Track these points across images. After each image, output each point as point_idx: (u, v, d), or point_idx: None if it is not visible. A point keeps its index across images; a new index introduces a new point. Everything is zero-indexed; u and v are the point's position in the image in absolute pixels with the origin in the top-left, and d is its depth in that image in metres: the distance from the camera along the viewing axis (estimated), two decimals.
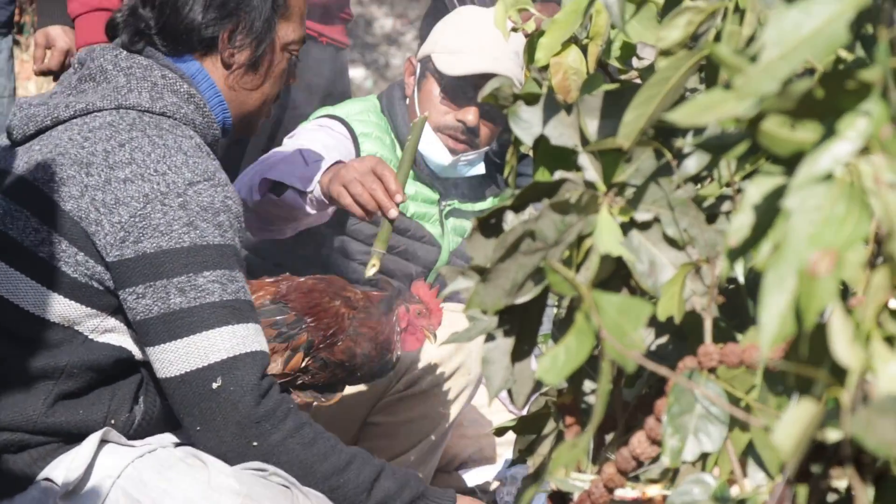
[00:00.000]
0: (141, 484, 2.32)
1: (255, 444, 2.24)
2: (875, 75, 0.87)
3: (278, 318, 2.63)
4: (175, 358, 2.24)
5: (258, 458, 2.25)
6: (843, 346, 0.84)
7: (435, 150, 3.35)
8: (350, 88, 4.08)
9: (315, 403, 2.72)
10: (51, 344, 2.29)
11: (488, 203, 3.50)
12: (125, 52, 2.41)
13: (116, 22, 2.46)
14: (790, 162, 0.91)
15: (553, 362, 1.01)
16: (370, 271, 2.65)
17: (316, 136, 3.22)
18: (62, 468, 2.29)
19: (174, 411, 2.29)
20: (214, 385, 2.22)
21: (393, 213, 2.68)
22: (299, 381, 2.67)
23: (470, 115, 3.30)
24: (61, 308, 2.28)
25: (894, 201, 0.85)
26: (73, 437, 2.32)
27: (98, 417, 2.32)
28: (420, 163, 3.40)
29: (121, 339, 2.33)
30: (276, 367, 2.62)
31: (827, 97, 0.89)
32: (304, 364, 2.65)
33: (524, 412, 1.49)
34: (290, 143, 3.24)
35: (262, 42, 2.46)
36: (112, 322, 2.31)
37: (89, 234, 2.24)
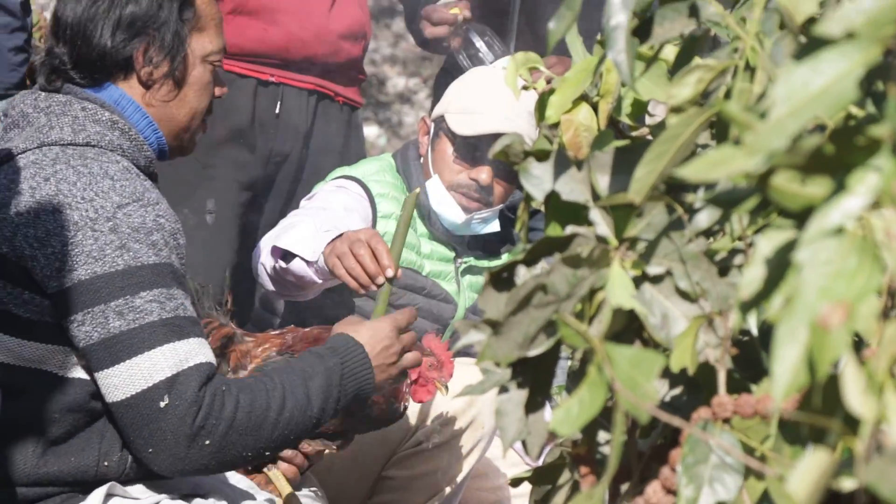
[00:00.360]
0: None
1: (207, 442, 2.24)
2: (885, 131, 0.89)
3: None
4: (119, 382, 2.24)
5: (214, 452, 2.25)
6: (856, 397, 0.86)
7: (448, 208, 3.37)
8: (364, 147, 4.10)
9: (327, 451, 2.73)
10: (26, 390, 2.30)
11: (504, 259, 3.53)
12: (44, 94, 2.43)
13: (34, 66, 2.49)
14: (801, 216, 0.93)
15: (567, 414, 1.03)
16: None
17: (336, 197, 3.25)
18: None
19: (123, 437, 2.29)
20: (162, 404, 2.22)
21: (380, 279, 2.72)
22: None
23: (483, 174, 3.33)
24: (25, 351, 2.29)
25: None
26: (69, 485, 2.32)
27: (90, 461, 2.31)
28: (435, 221, 3.42)
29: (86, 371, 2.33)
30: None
31: (837, 153, 0.91)
32: None
33: (539, 463, 1.50)
34: (308, 205, 3.27)
35: (175, 56, 2.47)
36: (77, 357, 2.32)
37: (28, 271, 2.26)
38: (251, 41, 3.60)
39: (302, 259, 2.96)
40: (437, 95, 4.12)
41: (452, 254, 3.46)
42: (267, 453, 2.33)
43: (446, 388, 2.82)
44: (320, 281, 2.99)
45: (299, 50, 3.80)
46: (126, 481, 2.36)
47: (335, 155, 3.94)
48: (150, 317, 2.25)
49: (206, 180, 3.77)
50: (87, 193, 2.27)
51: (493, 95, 3.30)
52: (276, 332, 2.78)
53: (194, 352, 2.27)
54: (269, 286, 3.16)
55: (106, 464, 2.32)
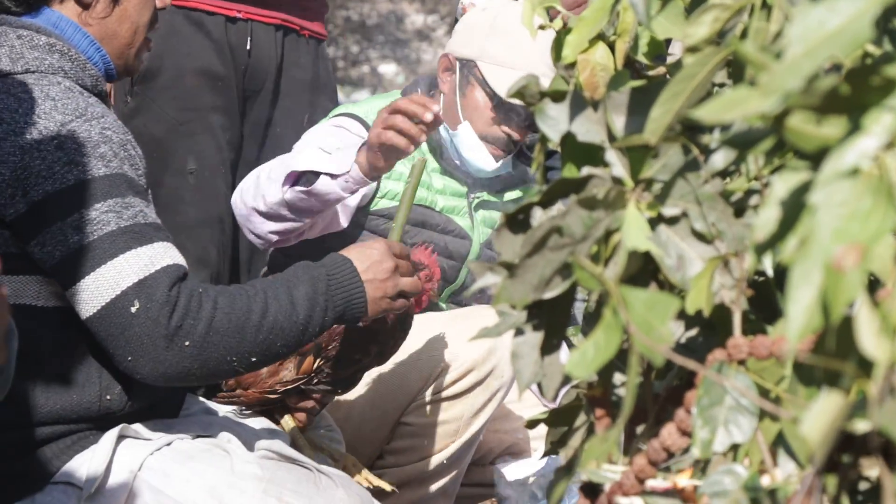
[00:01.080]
0: (163, 475, 2.34)
1: (187, 343, 2.23)
2: None
3: None
4: (88, 296, 2.23)
5: (195, 354, 2.24)
6: (869, 339, 0.86)
7: (480, 155, 3.36)
8: (333, 78, 4.07)
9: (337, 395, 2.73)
10: (20, 331, 2.30)
11: (517, 193, 3.52)
12: None
13: None
14: (816, 157, 0.93)
15: (582, 357, 1.03)
16: None
17: (328, 140, 3.23)
18: (82, 468, 2.30)
19: (104, 350, 2.28)
20: (133, 309, 2.21)
21: (428, 115, 2.77)
22: (315, 381, 2.67)
23: (515, 132, 3.33)
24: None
25: None
26: (75, 421, 2.32)
27: (93, 397, 2.31)
28: (448, 156, 3.41)
29: (67, 301, 2.32)
30: (289, 372, 2.62)
31: (852, 93, 0.90)
32: (315, 366, 2.65)
33: (556, 405, 1.50)
34: (303, 142, 3.26)
35: None
36: (51, 286, 2.31)
37: None
38: None
39: (327, 175, 2.94)
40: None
41: (465, 188, 3.45)
42: (253, 359, 2.29)
43: (439, 294, 2.82)
44: (348, 195, 2.98)
45: None
46: (132, 415, 2.37)
47: (305, 88, 3.93)
48: (108, 227, 2.24)
49: (184, 138, 3.75)
50: (29, 118, 2.26)
51: (527, 48, 3.27)
52: None
53: (160, 255, 2.26)
54: (263, 228, 3.12)
55: (108, 397, 2.32)
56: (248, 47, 3.81)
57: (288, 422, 2.71)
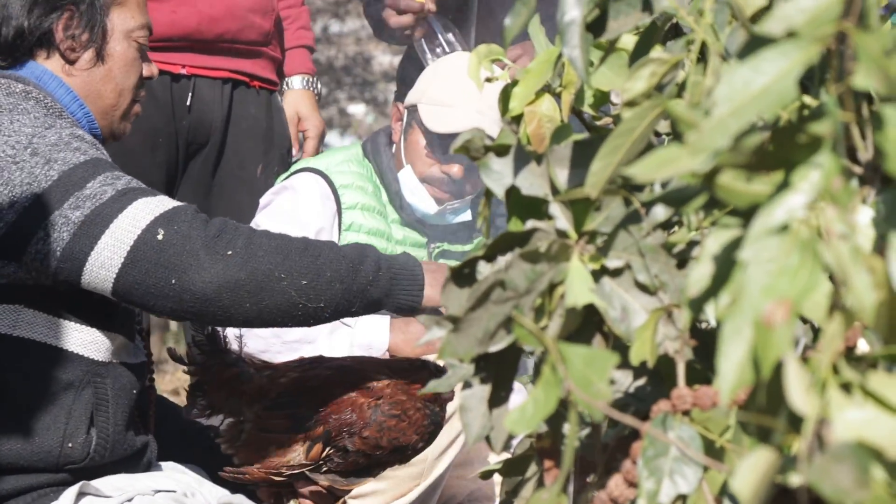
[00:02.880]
0: None
1: (229, 252, 2.19)
2: (825, 128, 0.89)
3: (292, 411, 2.59)
4: (109, 252, 2.20)
5: (240, 263, 2.19)
6: (798, 395, 0.87)
7: (421, 199, 3.40)
8: (287, 128, 4.06)
9: (345, 486, 2.68)
10: None
11: (477, 244, 3.55)
12: None
13: None
14: (748, 213, 0.94)
15: (522, 414, 1.03)
16: None
17: (297, 212, 3.31)
18: None
19: (144, 292, 2.21)
20: (159, 237, 2.19)
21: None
22: (323, 469, 2.64)
23: (454, 168, 3.36)
24: None
25: (845, 252, 0.87)
26: (26, 471, 2.29)
27: (54, 442, 2.28)
28: (407, 209, 3.44)
29: (45, 332, 2.31)
30: (297, 456, 2.58)
31: (780, 150, 0.92)
32: (324, 453, 2.61)
33: (509, 455, 1.51)
34: (268, 221, 3.32)
35: (94, 26, 2.47)
36: (31, 313, 2.30)
37: None
38: (161, 25, 3.54)
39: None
40: (403, 80, 4.12)
41: (425, 239, 3.48)
42: (304, 282, 2.23)
43: None
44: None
45: (211, 28, 3.78)
46: (92, 468, 2.35)
47: (257, 140, 3.93)
48: (106, 194, 2.23)
49: None
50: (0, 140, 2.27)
51: (464, 88, 3.31)
52: (288, 365, 2.73)
53: (167, 201, 2.25)
54: (279, 356, 3.17)
55: (70, 445, 2.30)
56: (188, 103, 3.80)
57: None
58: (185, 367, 2.57)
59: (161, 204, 2.23)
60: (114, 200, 2.22)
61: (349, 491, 2.67)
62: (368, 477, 2.67)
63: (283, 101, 4.06)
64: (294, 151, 4.05)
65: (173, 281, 2.18)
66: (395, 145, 3.49)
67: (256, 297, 2.20)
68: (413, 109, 3.43)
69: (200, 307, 2.20)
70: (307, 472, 2.59)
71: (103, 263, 2.21)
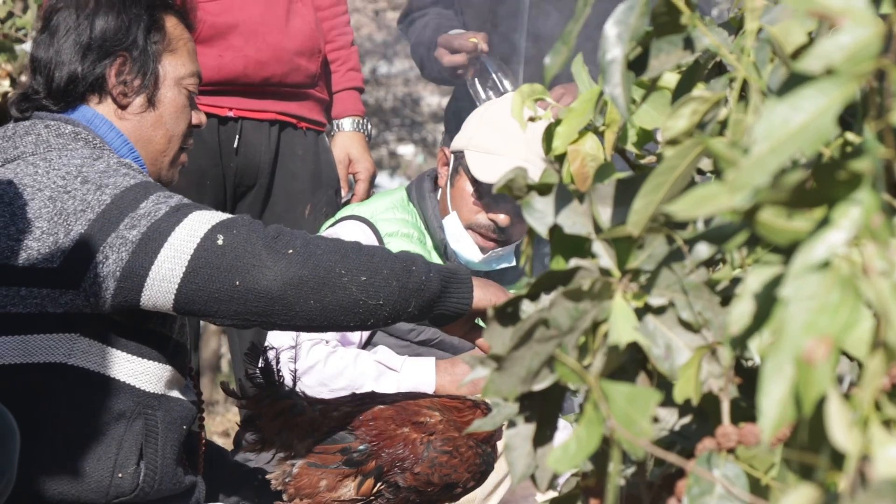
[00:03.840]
0: None
1: (290, 251, 2.22)
2: (865, 165, 0.90)
3: (345, 444, 2.59)
4: (171, 265, 2.23)
5: (301, 260, 2.21)
6: (840, 432, 0.86)
7: (465, 246, 3.40)
8: (335, 170, 4.08)
9: None
10: (38, 391, 2.30)
11: (519, 285, 3.55)
12: (12, 124, 2.48)
13: (7, 103, 2.54)
14: (789, 250, 0.94)
15: (565, 452, 1.04)
16: None
17: None
18: None
19: (208, 298, 2.24)
20: (219, 242, 2.22)
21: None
22: (373, 503, 2.64)
23: (501, 216, 3.36)
24: (30, 345, 2.30)
25: (885, 288, 0.87)
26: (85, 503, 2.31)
27: (105, 472, 2.30)
28: (452, 256, 3.44)
29: (98, 362, 2.34)
30: (348, 491, 2.58)
31: (821, 187, 0.92)
32: (375, 489, 2.61)
33: (556, 493, 1.51)
34: None
35: (146, 72, 2.52)
36: (86, 341, 2.32)
37: (24, 264, 2.28)
38: (208, 70, 3.58)
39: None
40: (448, 124, 4.14)
41: None
42: (363, 278, 2.25)
43: None
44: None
45: (257, 72, 3.81)
46: (142, 501, 2.37)
47: (305, 181, 3.94)
48: (161, 212, 2.26)
49: None
50: (49, 174, 2.32)
51: (512, 136, 3.31)
52: (340, 400, 2.73)
53: (221, 213, 2.29)
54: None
55: (120, 475, 2.32)
56: (234, 145, 3.83)
57: None
58: (238, 401, 2.58)
59: (217, 215, 2.28)
60: (169, 216, 2.25)
61: None
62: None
63: (332, 143, 4.08)
64: (344, 193, 4.06)
65: (237, 283, 2.21)
66: (440, 190, 3.49)
67: (319, 293, 2.23)
68: (460, 155, 3.43)
69: (265, 306, 2.22)
70: None
71: (164, 276, 2.24)
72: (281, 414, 2.55)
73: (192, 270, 2.22)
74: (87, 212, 2.26)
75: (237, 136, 3.83)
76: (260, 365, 2.55)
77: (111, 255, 2.24)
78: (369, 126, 4.16)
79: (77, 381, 2.31)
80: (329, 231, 3.43)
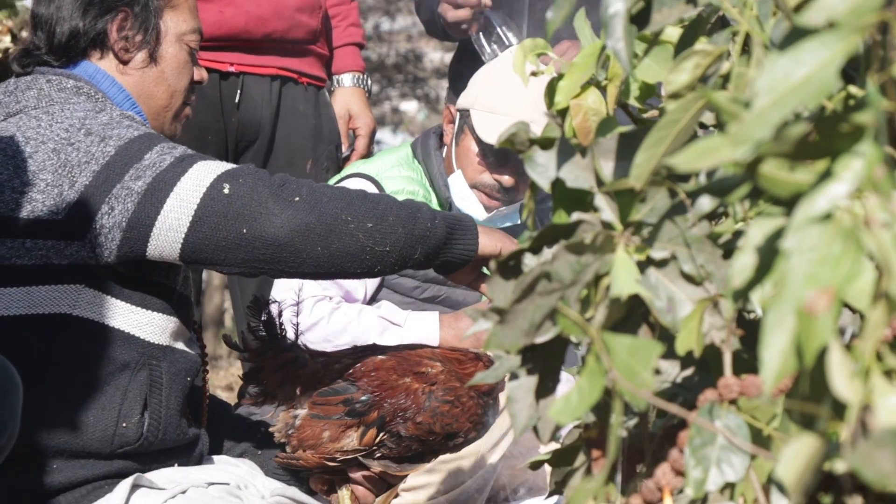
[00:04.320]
0: None
1: (296, 199, 2.23)
2: (868, 118, 0.90)
3: (347, 395, 2.61)
4: (177, 214, 2.24)
5: (308, 207, 2.22)
6: (841, 382, 0.87)
7: (470, 205, 3.40)
8: (336, 124, 4.07)
9: (398, 472, 2.69)
10: (43, 341, 2.31)
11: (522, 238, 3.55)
12: (13, 79, 2.48)
13: (9, 58, 2.55)
14: (791, 203, 0.94)
15: (567, 404, 1.05)
16: None
17: None
18: None
19: (215, 247, 2.25)
20: (226, 191, 2.23)
21: None
22: (377, 455, 2.65)
23: (506, 176, 3.36)
24: (35, 296, 2.31)
25: (887, 240, 0.88)
26: (83, 456, 2.33)
27: (110, 421, 2.32)
28: (457, 210, 3.45)
29: (103, 313, 2.35)
30: (351, 441, 2.59)
31: (823, 140, 0.92)
32: (378, 439, 2.63)
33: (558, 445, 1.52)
34: None
35: (147, 27, 2.52)
36: (91, 292, 2.34)
37: (23, 219, 2.29)
38: (209, 25, 3.55)
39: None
40: (453, 82, 4.13)
41: None
42: (370, 224, 2.26)
43: None
44: None
45: (258, 28, 3.80)
46: (147, 457, 2.38)
47: (306, 136, 3.94)
48: (165, 162, 2.27)
49: None
50: (53, 126, 2.33)
51: (518, 96, 3.30)
52: (342, 352, 2.74)
53: (224, 163, 2.29)
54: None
55: (124, 425, 2.33)
56: (236, 100, 3.83)
57: (344, 494, 2.69)
58: (241, 354, 2.59)
59: (221, 164, 2.28)
60: (174, 166, 2.26)
61: (402, 478, 2.69)
62: (422, 463, 2.68)
63: (332, 99, 4.08)
64: (344, 148, 4.06)
65: (244, 230, 2.22)
66: (445, 148, 3.49)
67: (326, 240, 2.24)
68: (465, 114, 3.42)
69: (273, 253, 2.23)
70: (360, 458, 2.61)
71: (171, 226, 2.24)
72: (283, 366, 2.56)
73: (199, 219, 2.23)
74: (92, 163, 2.27)
75: (238, 91, 3.83)
76: (262, 318, 2.56)
77: (117, 206, 2.25)
78: (369, 81, 4.15)
79: (82, 332, 2.32)
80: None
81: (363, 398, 2.58)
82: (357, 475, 2.62)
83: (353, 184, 3.38)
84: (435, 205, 3.45)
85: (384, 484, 2.66)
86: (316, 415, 2.57)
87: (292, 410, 2.57)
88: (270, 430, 2.58)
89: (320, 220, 2.23)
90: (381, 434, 2.59)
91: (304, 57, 3.94)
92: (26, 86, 2.42)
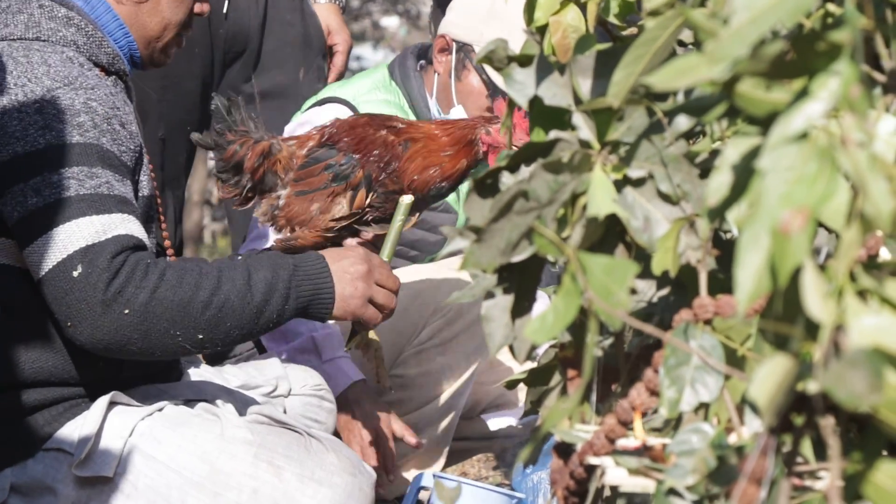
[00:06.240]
0: (154, 441, 2.36)
1: (126, 312, 2.22)
2: (844, 37, 0.89)
3: (328, 160, 2.62)
4: (38, 258, 2.24)
5: (135, 323, 2.23)
6: (815, 302, 0.87)
7: None
8: (323, 34, 4.04)
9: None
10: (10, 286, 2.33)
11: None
12: None
13: None
14: (767, 122, 0.94)
15: (542, 323, 1.04)
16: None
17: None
18: (73, 434, 2.32)
19: (53, 307, 2.27)
20: (75, 273, 2.22)
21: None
22: (367, 217, 2.65)
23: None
24: None
25: (862, 159, 0.87)
26: (69, 385, 2.34)
27: (86, 360, 2.34)
28: None
29: None
30: (342, 208, 2.58)
31: (800, 58, 0.91)
32: (368, 200, 2.63)
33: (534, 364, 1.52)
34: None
35: None
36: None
37: None
38: None
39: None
40: (436, 11, 4.08)
41: None
42: (200, 336, 2.27)
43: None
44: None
45: None
46: (128, 382, 2.39)
47: (295, 45, 3.91)
48: (67, 192, 2.25)
49: (157, 105, 3.72)
50: (20, 80, 2.29)
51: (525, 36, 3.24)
52: (317, 128, 2.74)
53: (115, 225, 2.26)
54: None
55: (101, 364, 2.33)
56: (224, 10, 3.80)
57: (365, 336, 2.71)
58: (217, 154, 2.59)
59: (103, 230, 2.25)
60: (68, 203, 2.24)
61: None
62: (415, 217, 2.69)
63: None
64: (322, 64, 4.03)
65: (69, 324, 2.23)
66: (435, 74, 3.42)
67: (144, 350, 2.27)
68: (469, 49, 3.36)
69: (87, 347, 2.26)
70: (355, 225, 2.62)
71: (31, 261, 2.26)
72: (260, 157, 2.57)
73: (47, 280, 2.24)
74: (20, 143, 2.26)
75: (226, 1, 3.80)
76: (228, 119, 2.57)
77: (8, 204, 2.26)
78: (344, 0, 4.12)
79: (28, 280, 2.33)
80: (311, 113, 3.37)
81: (345, 160, 2.60)
82: (352, 241, 2.63)
83: (330, 110, 3.32)
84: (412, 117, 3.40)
85: (376, 249, 2.65)
86: (300, 191, 2.58)
87: (274, 193, 2.59)
88: (254, 215, 2.60)
89: (144, 337, 2.25)
90: (371, 194, 2.61)
91: None
92: (18, 8, 2.39)
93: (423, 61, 3.48)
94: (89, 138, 2.29)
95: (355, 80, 3.48)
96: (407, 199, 2.61)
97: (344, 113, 3.26)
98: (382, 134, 2.66)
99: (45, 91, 2.28)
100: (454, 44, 3.38)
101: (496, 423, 3.39)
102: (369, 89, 3.41)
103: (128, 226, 2.28)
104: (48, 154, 2.26)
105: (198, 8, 2.56)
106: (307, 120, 3.31)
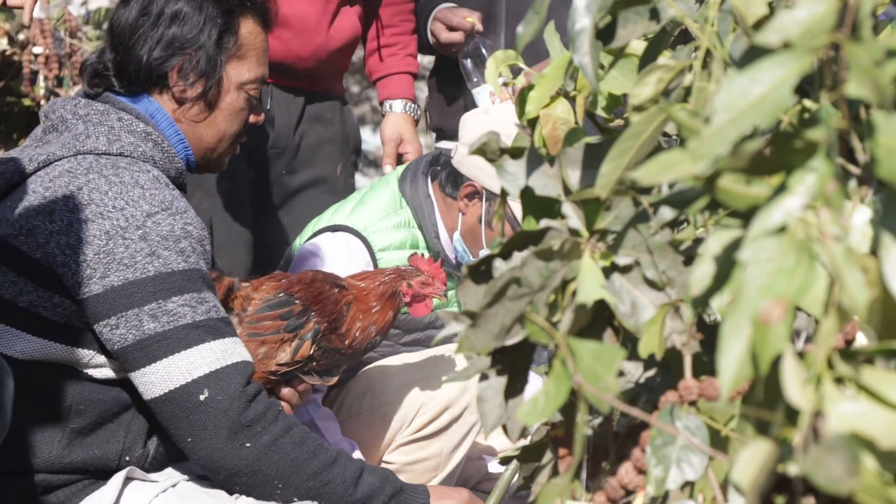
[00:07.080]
0: None
1: (247, 445, 2.31)
2: (820, 135, 0.94)
3: (286, 309, 2.70)
4: (157, 379, 2.32)
5: (251, 458, 2.31)
6: (794, 389, 0.92)
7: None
8: (358, 132, 4.14)
9: (320, 383, 2.76)
10: (53, 386, 2.38)
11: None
12: (84, 101, 2.53)
13: (85, 65, 2.58)
14: (748, 215, 0.99)
15: (534, 406, 1.09)
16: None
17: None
18: None
19: (163, 428, 2.37)
20: (201, 397, 2.31)
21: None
22: (305, 368, 2.73)
23: None
24: (51, 351, 2.36)
25: (838, 252, 0.92)
26: (93, 474, 2.40)
27: (113, 454, 2.40)
28: (447, 260, 3.38)
29: (119, 372, 2.41)
30: (285, 356, 2.67)
31: (778, 154, 0.97)
32: (311, 351, 2.71)
33: (526, 441, 1.56)
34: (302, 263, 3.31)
35: (209, 79, 2.56)
36: (103, 357, 2.40)
37: (59, 277, 2.34)
38: None
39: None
40: (432, 92, 4.16)
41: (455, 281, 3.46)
42: (294, 500, 2.37)
43: (445, 296, 2.91)
44: None
45: (295, 64, 3.86)
46: (147, 472, 2.46)
47: (333, 143, 3.99)
48: (184, 319, 2.33)
49: (202, 189, 3.78)
50: (118, 203, 2.35)
51: None
52: (268, 276, 2.83)
53: (230, 351, 2.35)
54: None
55: (128, 458, 2.42)
56: (267, 107, 3.87)
57: None
58: None
59: (223, 356, 2.35)
60: (186, 330, 2.33)
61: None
62: (336, 376, 2.80)
63: (384, 122, 4.13)
64: (392, 168, 4.07)
65: (189, 440, 2.33)
66: (461, 214, 3.35)
67: (245, 486, 2.37)
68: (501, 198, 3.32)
69: (199, 463, 2.36)
70: (296, 372, 2.69)
71: (145, 381, 2.34)
72: (226, 292, 2.65)
73: (167, 399, 2.33)
74: (129, 270, 2.33)
75: (269, 98, 3.87)
76: None
77: (120, 327, 2.33)
78: (418, 111, 4.19)
79: (86, 384, 2.41)
80: (322, 241, 3.35)
81: (301, 310, 2.69)
82: (285, 391, 2.70)
83: (340, 239, 3.29)
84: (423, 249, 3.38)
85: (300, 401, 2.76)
86: (253, 332, 2.65)
87: None
88: None
89: (252, 475, 2.34)
90: (314, 347, 2.68)
91: (323, 78, 3.99)
92: (98, 118, 2.47)
93: (430, 175, 3.45)
94: (191, 264, 2.38)
95: (368, 202, 3.43)
96: (513, 466, 2.65)
97: (354, 244, 3.27)
98: (335, 293, 2.78)
99: (146, 216, 2.36)
100: (484, 191, 3.33)
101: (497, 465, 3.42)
102: (381, 216, 3.35)
103: (240, 350, 2.38)
104: (158, 281, 2.34)
105: (252, 119, 2.64)
106: (316, 249, 3.30)
